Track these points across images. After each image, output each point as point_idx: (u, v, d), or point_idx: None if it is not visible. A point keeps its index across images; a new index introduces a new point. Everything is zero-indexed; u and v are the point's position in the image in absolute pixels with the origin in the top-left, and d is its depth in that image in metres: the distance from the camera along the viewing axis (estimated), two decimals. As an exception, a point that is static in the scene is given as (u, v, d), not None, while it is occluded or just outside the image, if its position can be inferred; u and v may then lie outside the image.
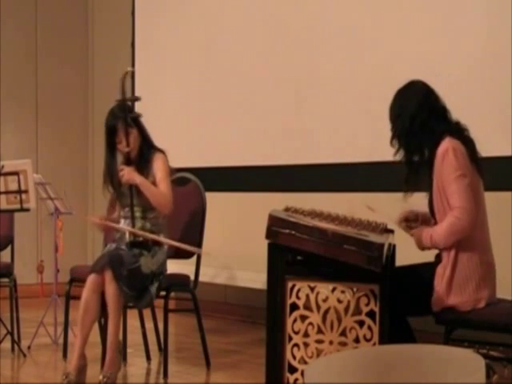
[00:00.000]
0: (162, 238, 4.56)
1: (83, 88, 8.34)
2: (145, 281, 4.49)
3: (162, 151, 4.67)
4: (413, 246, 3.87)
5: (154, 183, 4.58)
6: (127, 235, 4.58)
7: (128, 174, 4.52)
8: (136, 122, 4.65)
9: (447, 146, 3.52)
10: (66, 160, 8.19)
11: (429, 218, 3.76)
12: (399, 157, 3.67)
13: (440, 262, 3.59)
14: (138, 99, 4.67)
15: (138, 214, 4.61)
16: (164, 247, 4.63)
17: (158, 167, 4.60)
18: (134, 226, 4.56)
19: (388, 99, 5.33)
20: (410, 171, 3.64)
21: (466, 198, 3.47)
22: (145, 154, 4.64)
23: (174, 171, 4.79)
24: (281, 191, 5.86)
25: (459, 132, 3.61)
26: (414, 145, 3.62)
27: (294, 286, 3.43)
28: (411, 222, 3.80)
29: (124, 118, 4.54)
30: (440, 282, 3.54)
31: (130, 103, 4.75)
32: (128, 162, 4.59)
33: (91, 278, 4.41)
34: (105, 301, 4.41)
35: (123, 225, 4.63)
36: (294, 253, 3.43)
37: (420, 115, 3.61)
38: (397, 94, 3.72)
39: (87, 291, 4.41)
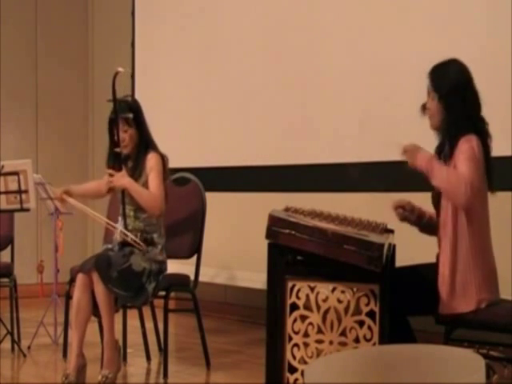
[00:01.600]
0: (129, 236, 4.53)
1: (83, 88, 8.34)
2: (139, 279, 4.48)
3: (159, 153, 4.66)
4: (413, 246, 3.87)
5: (146, 182, 4.58)
6: (117, 235, 4.58)
7: (117, 180, 4.53)
8: (137, 119, 4.65)
9: (473, 138, 3.51)
10: (65, 160, 8.19)
11: (424, 215, 3.77)
12: (437, 124, 3.62)
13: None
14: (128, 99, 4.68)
15: (131, 214, 4.61)
16: (158, 246, 4.62)
17: (150, 166, 4.59)
18: (126, 225, 4.56)
19: (388, 99, 5.35)
20: (444, 136, 3.60)
21: (478, 177, 3.46)
22: (140, 152, 4.64)
23: (168, 173, 4.77)
24: (281, 191, 5.86)
25: (485, 136, 3.60)
26: (456, 110, 3.59)
27: (294, 285, 3.43)
28: (406, 211, 3.80)
29: (123, 116, 4.56)
30: (443, 285, 3.53)
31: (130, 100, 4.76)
32: (119, 160, 4.59)
33: (80, 278, 4.44)
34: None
35: (119, 223, 4.63)
36: (294, 253, 3.43)
37: (469, 90, 3.58)
38: (444, 66, 3.63)
39: (78, 290, 4.44)
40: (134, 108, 4.66)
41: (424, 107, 3.66)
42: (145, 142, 4.66)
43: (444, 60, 3.67)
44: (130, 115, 4.59)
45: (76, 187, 4.84)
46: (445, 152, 3.61)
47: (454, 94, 3.58)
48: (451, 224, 3.54)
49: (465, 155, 3.49)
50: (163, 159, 4.64)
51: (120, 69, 4.56)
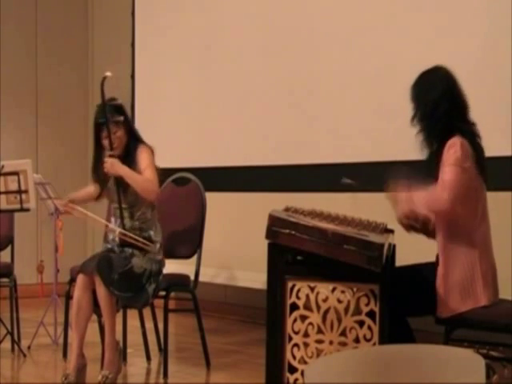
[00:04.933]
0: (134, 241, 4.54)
1: (83, 88, 8.34)
2: (139, 280, 4.48)
3: (148, 146, 4.66)
4: (413, 246, 3.87)
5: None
6: (115, 235, 4.57)
7: (111, 166, 4.52)
8: (126, 120, 4.65)
9: (455, 141, 3.52)
10: (65, 160, 8.19)
11: (428, 221, 3.76)
12: (421, 137, 3.64)
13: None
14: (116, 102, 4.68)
15: (126, 214, 4.59)
16: (156, 244, 4.62)
17: (141, 158, 4.59)
18: (124, 226, 4.55)
19: (388, 99, 5.35)
20: (430, 155, 3.62)
21: (457, 182, 3.46)
22: (131, 149, 4.64)
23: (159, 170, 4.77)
24: (281, 191, 5.86)
25: (472, 135, 3.61)
26: (435, 130, 3.59)
27: (293, 285, 3.43)
28: (411, 220, 3.79)
29: (110, 119, 4.56)
30: (441, 285, 3.54)
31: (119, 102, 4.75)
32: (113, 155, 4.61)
33: (80, 278, 4.44)
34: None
35: (113, 224, 4.62)
36: (294, 253, 3.43)
37: (443, 104, 3.59)
38: (422, 76, 3.68)
39: (78, 290, 4.44)
40: (122, 110, 4.68)
41: (412, 120, 3.69)
42: (134, 140, 4.67)
43: (425, 70, 3.69)
44: (121, 118, 4.61)
45: (75, 194, 4.86)
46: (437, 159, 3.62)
47: (425, 108, 3.60)
48: (446, 224, 3.55)
49: (447, 162, 3.51)
50: (152, 151, 4.66)
51: (108, 73, 4.58)
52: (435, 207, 3.52)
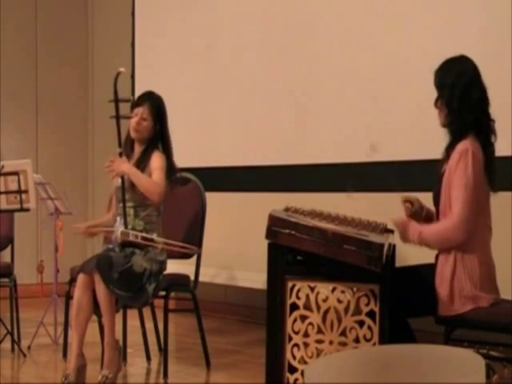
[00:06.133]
0: (150, 242, 4.54)
1: (83, 88, 8.34)
2: (139, 279, 4.47)
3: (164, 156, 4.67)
4: (413, 246, 3.87)
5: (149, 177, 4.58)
6: (118, 235, 4.57)
7: (117, 164, 4.51)
8: (157, 115, 4.69)
9: (467, 148, 3.50)
10: (66, 160, 8.19)
11: (431, 216, 3.75)
12: (443, 121, 3.62)
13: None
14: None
15: (131, 212, 4.59)
16: (159, 245, 4.62)
17: (153, 163, 4.59)
18: (126, 225, 4.55)
19: (388, 99, 5.35)
20: (453, 138, 3.60)
21: (470, 210, 3.47)
22: (148, 149, 4.64)
23: (176, 170, 4.78)
24: (281, 191, 5.86)
25: (487, 134, 3.60)
26: (464, 119, 3.57)
27: (294, 285, 3.43)
28: (415, 207, 3.78)
29: (152, 105, 4.67)
30: (441, 285, 3.53)
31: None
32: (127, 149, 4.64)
33: (81, 278, 4.43)
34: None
35: (118, 223, 4.62)
36: (294, 253, 3.43)
37: (475, 91, 3.56)
38: (449, 62, 3.64)
39: (78, 290, 4.43)
40: (158, 103, 4.74)
41: (436, 103, 3.67)
42: (157, 141, 4.67)
43: (451, 57, 3.67)
44: (152, 108, 4.68)
45: (94, 222, 4.98)
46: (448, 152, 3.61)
47: (454, 91, 3.57)
48: None
49: (459, 181, 3.48)
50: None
51: (121, 69, 4.56)
52: (450, 245, 3.53)
